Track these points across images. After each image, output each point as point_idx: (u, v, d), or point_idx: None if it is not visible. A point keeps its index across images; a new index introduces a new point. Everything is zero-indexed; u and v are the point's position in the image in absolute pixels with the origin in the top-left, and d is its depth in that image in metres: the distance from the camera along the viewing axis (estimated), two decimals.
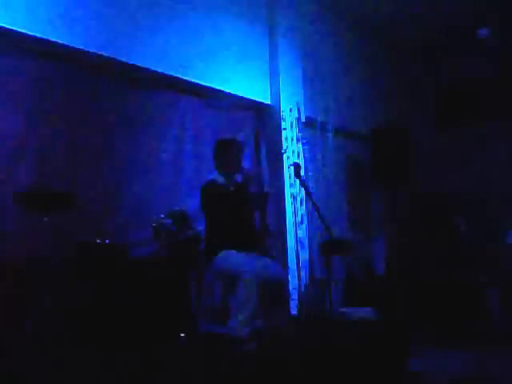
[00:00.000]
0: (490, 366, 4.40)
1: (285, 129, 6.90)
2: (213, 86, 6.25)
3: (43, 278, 4.11)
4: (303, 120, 7.14)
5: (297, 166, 4.67)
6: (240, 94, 6.59)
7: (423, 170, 7.89)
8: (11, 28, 4.64)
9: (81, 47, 5.07)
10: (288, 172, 6.73)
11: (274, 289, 4.61)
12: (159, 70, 5.70)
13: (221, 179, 4.63)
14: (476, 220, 7.15)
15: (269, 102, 6.98)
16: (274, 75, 7.03)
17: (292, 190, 6.76)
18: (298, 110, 7.10)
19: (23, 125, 4.78)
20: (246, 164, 4.85)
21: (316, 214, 4.47)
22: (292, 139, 6.96)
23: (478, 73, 8.36)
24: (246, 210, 4.69)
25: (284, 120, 6.91)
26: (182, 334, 4.24)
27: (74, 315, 3.99)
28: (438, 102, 9.02)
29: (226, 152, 4.67)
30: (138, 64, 5.52)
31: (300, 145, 7.03)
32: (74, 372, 3.32)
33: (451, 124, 8.71)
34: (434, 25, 8.18)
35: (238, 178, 4.71)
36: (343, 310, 5.81)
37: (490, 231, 7.22)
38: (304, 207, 6.84)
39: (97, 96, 5.28)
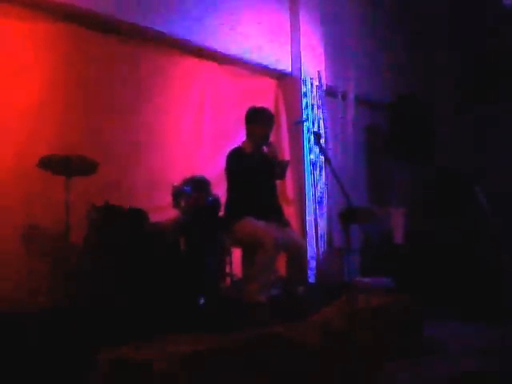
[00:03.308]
0: (505, 337, 4.40)
1: (305, 97, 6.86)
2: (234, 53, 6.22)
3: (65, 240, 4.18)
4: (324, 89, 7.09)
5: (317, 135, 4.64)
6: (261, 62, 6.54)
7: (445, 141, 7.82)
8: None
9: (101, 11, 5.08)
10: (308, 140, 6.71)
11: (293, 257, 4.63)
12: (181, 36, 5.68)
13: (248, 148, 4.62)
14: (497, 195, 7.07)
15: (290, 71, 6.93)
16: (295, 44, 6.97)
17: (311, 158, 6.74)
18: (319, 78, 7.04)
19: (44, 92, 4.81)
20: None
21: (335, 182, 4.45)
22: (312, 108, 6.92)
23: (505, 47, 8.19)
24: (269, 180, 4.69)
25: (305, 88, 6.87)
26: (201, 299, 4.28)
27: (92, 278, 4.03)
28: (462, 75, 8.85)
29: (256, 121, 4.64)
30: (160, 29, 5.50)
31: (320, 113, 6.99)
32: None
33: (476, 99, 8.55)
34: None
35: (264, 148, 4.69)
36: (361, 278, 5.82)
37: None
38: (323, 176, 6.83)
39: (117, 60, 5.30)
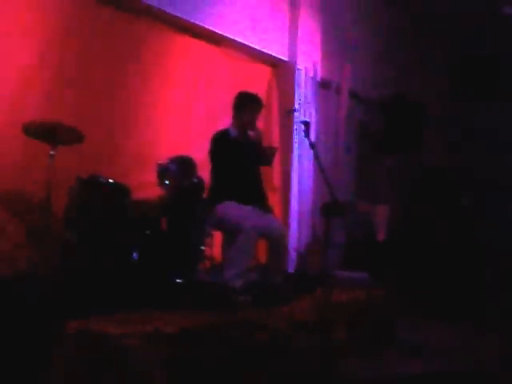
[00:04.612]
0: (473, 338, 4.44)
1: (299, 87, 6.83)
2: (231, 35, 6.16)
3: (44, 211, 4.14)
4: (318, 80, 7.06)
5: (306, 125, 4.62)
6: (258, 47, 6.49)
7: (434, 141, 7.85)
8: None
9: None
10: (297, 130, 6.69)
11: (273, 245, 4.63)
12: (174, 13, 5.61)
13: (234, 132, 4.60)
14: (481, 197, 7.13)
15: (285, 59, 6.89)
16: (292, 32, 6.93)
17: (300, 149, 6.73)
18: (315, 69, 7.01)
19: (35, 57, 4.75)
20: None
21: (322, 175, 4.45)
22: (305, 98, 6.89)
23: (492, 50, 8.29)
24: (254, 165, 4.68)
25: (299, 78, 6.84)
26: (179, 280, 4.25)
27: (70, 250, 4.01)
28: (452, 75, 8.91)
29: (245, 107, 4.63)
30: (158, 6, 5.43)
31: (313, 105, 6.97)
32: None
33: (464, 98, 8.62)
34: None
35: (250, 133, 4.67)
36: (340, 272, 5.83)
37: (493, 209, 7.22)
38: (311, 168, 6.82)
39: (112, 34, 5.23)
